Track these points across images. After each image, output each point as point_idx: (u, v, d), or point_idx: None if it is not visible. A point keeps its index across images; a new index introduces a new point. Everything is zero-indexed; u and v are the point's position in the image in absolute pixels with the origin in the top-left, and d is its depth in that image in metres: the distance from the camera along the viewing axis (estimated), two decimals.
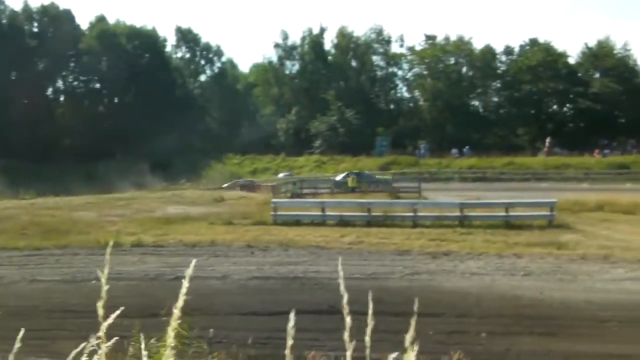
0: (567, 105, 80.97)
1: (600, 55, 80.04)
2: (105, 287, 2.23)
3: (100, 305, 2.22)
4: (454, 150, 68.59)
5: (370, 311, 2.20)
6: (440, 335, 11.79)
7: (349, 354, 2.10)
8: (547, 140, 67.97)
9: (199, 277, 17.02)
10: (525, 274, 17.31)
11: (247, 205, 34.10)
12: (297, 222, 27.37)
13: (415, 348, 2.08)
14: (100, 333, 2.30)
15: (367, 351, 2.21)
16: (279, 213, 28.14)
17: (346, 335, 2.17)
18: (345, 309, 2.15)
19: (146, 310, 11.02)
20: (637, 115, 71.21)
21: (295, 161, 71.93)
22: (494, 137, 76.24)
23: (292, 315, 2.10)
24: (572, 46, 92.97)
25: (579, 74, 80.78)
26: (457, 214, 27.54)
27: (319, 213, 28.38)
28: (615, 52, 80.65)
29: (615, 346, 11.24)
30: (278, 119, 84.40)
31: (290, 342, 2.15)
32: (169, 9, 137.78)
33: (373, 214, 27.92)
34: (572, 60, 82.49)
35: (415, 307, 2.28)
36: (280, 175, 60.83)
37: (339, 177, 48.35)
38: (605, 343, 11.49)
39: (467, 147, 68.90)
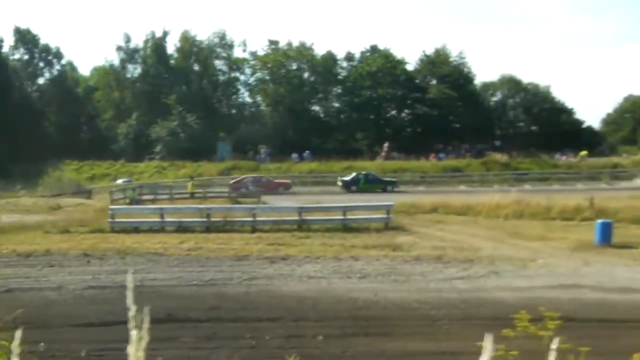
0: (405, 110, 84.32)
1: (437, 63, 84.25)
2: None
3: None
4: (294, 155, 69.41)
5: (146, 325, 1.92)
6: (277, 339, 11.75)
7: None
8: (385, 144, 70.29)
9: (34, 289, 16.09)
10: (361, 276, 17.60)
11: (84, 212, 33.28)
12: (135, 229, 26.80)
13: None
14: None
15: None
16: (116, 220, 27.63)
17: (130, 349, 1.96)
18: (132, 323, 1.85)
19: None
20: (470, 120, 75.57)
21: (136, 167, 70.08)
22: (334, 142, 78.05)
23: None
24: (410, 53, 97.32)
25: (417, 81, 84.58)
26: (296, 218, 27.85)
27: (158, 219, 27.96)
28: (451, 59, 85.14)
29: (447, 344, 11.54)
30: (118, 123, 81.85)
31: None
32: (7, 7, 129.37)
33: (212, 219, 27.89)
34: (410, 67, 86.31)
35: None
36: (119, 181, 59.29)
37: (347, 178, 52.34)
38: (438, 341, 11.79)
39: (307, 151, 69.84)
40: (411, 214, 32.47)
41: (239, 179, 52.56)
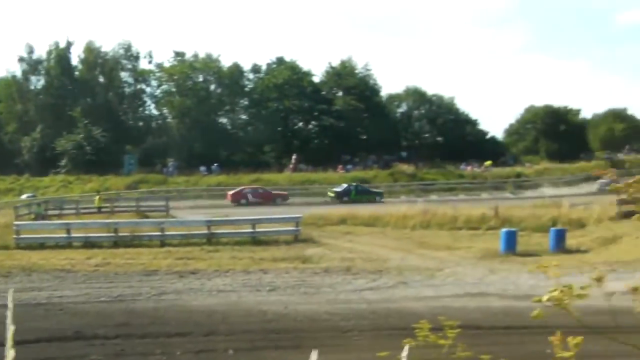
0: (312, 122, 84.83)
1: (343, 75, 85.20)
2: None
3: None
4: (202, 168, 68.77)
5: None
6: (188, 354, 11.62)
7: None
8: (293, 156, 70.49)
9: None
10: (270, 289, 17.62)
11: None
12: (41, 245, 26.19)
13: None
14: None
15: None
16: (21, 236, 26.97)
17: None
18: (9, 342, 1.85)
19: None
20: (377, 131, 76.67)
21: (40, 181, 67.65)
22: (242, 154, 77.64)
23: None
24: (317, 65, 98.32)
25: (323, 92, 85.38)
26: (205, 231, 27.66)
27: (64, 235, 27.41)
28: (357, 71, 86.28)
29: (356, 355, 11.67)
30: (22, 136, 78.93)
31: None
32: None
33: (120, 234, 27.52)
34: (317, 79, 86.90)
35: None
36: (24, 196, 57.22)
37: (339, 189, 53.77)
38: (347, 352, 11.90)
39: (215, 164, 69.35)
40: (320, 226, 32.73)
41: (238, 190, 53.05)
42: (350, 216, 34.99)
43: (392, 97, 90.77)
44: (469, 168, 70.98)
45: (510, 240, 24.44)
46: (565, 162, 73.81)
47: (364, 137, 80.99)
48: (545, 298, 1.50)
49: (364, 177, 64.24)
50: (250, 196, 51.20)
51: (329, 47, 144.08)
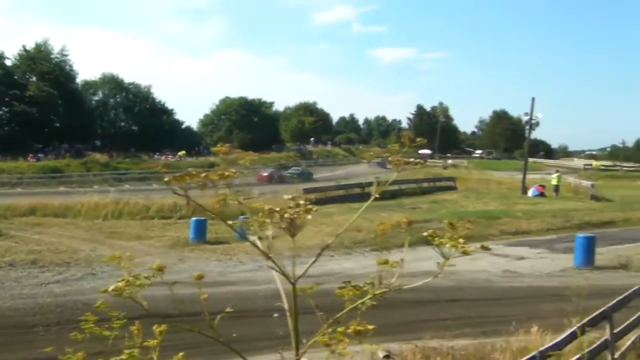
0: (3, 108, 78.37)
1: (38, 59, 79.88)
2: None
3: None
4: None
5: None
6: None
7: None
8: None
9: None
10: None
11: None
12: None
13: None
14: None
15: None
16: None
17: None
18: None
19: None
20: (71, 119, 73.57)
21: None
22: None
23: None
24: (10, 48, 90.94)
25: (16, 77, 79.24)
26: None
27: None
28: (52, 56, 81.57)
29: (42, 351, 11.43)
30: None
31: None
32: None
33: None
34: (9, 62, 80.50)
35: None
36: None
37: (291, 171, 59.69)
38: (33, 349, 11.59)
39: None
40: (7, 217, 30.78)
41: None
42: (40, 207, 33.29)
43: (88, 84, 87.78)
44: (163, 158, 71.19)
45: (200, 229, 25.21)
46: (258, 152, 77.33)
47: (58, 124, 77.18)
48: (111, 288, 1.82)
49: (56, 166, 61.40)
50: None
51: (22, 30, 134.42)
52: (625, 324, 10.05)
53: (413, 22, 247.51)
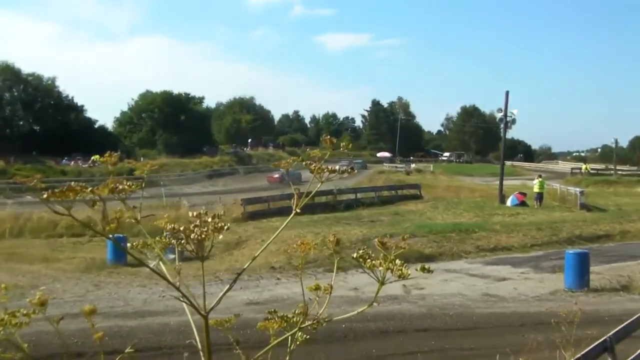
0: None
1: None
2: None
3: None
4: None
5: None
6: None
7: None
8: None
9: None
10: None
11: None
12: None
13: None
14: None
15: None
16: None
17: None
18: None
19: None
20: None
21: None
22: None
23: None
24: None
25: None
26: None
27: None
28: None
29: None
30: None
31: None
32: None
33: None
34: None
35: None
36: None
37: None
38: None
39: None
40: None
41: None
42: None
43: None
44: (72, 163, 70.03)
45: (119, 248, 24.73)
46: (186, 157, 76.46)
47: None
48: None
49: None
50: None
51: None
52: (631, 358, 10.02)
53: (365, 3, 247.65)
